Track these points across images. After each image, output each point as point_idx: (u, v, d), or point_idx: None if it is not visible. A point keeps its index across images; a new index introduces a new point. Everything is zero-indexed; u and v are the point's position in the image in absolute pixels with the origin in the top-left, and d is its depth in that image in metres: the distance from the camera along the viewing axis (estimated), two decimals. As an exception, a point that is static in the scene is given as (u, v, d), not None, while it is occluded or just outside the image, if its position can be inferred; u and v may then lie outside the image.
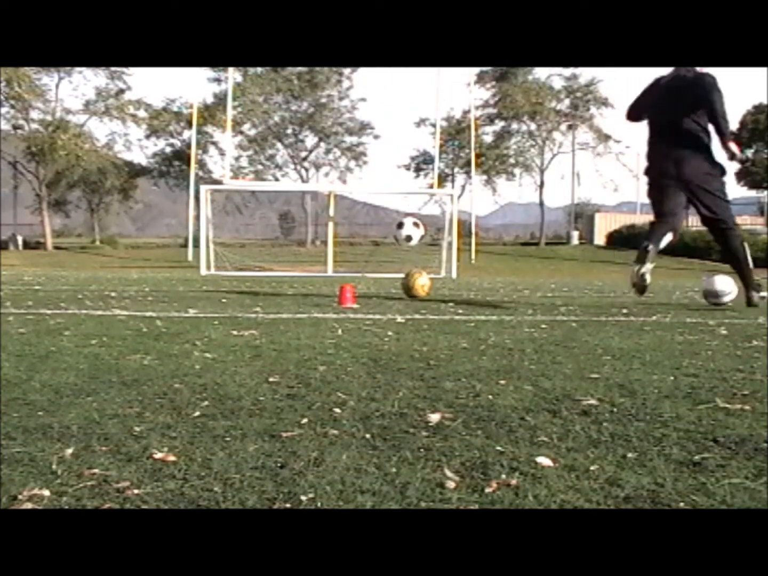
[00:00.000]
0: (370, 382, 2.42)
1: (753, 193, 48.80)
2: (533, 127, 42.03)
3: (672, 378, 2.56)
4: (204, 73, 38.66)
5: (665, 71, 6.38)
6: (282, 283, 12.12)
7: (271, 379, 2.45)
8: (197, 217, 22.45)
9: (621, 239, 37.09)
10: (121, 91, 40.19)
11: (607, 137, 41.47)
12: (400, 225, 12.86)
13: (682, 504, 1.27)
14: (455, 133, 40.94)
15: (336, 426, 1.80)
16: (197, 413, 1.92)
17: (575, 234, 40.57)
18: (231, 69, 25.33)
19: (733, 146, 5.96)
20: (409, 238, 10.25)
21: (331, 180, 41.84)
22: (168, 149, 42.04)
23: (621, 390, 2.32)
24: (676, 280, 17.42)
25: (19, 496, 1.26)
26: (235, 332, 3.88)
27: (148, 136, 41.58)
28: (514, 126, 42.43)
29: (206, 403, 2.06)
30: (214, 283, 11.65)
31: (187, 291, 8.80)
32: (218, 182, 29.62)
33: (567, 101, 41.98)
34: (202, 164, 40.09)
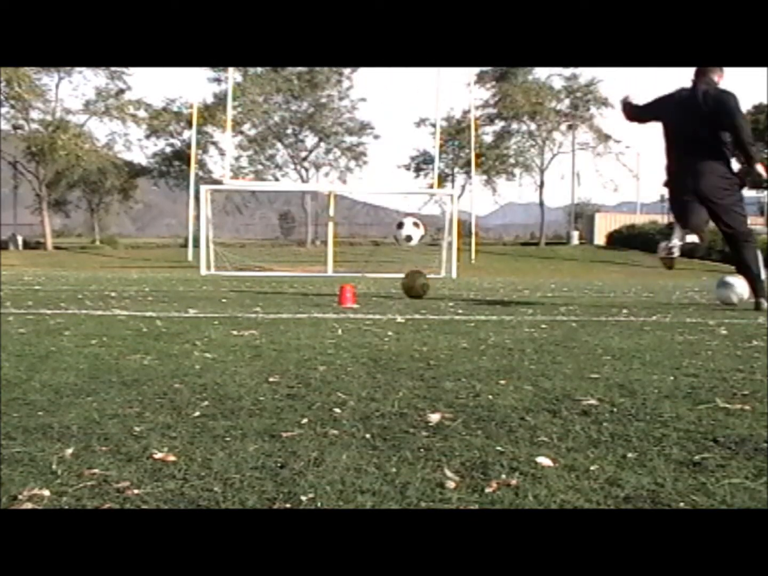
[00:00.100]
0: (370, 382, 2.42)
1: (753, 193, 48.70)
2: (533, 127, 42.03)
3: (672, 378, 2.56)
4: (204, 73, 38.70)
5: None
6: (282, 283, 12.12)
7: (271, 379, 2.45)
8: (197, 217, 22.46)
9: (621, 239, 37.12)
10: (121, 91, 40.20)
11: (607, 137, 41.47)
12: (400, 225, 12.86)
13: (682, 504, 1.27)
14: (455, 133, 40.93)
15: (336, 426, 1.80)
16: (197, 413, 1.92)
17: (575, 234, 40.58)
18: (231, 69, 25.35)
19: (761, 168, 6.02)
20: (409, 238, 10.27)
21: (331, 180, 41.86)
22: (168, 149, 42.05)
23: (621, 390, 2.32)
24: (676, 280, 17.42)
25: (19, 496, 1.26)
26: (235, 332, 3.88)
27: (148, 136, 41.60)
28: (514, 126, 42.43)
29: (206, 403, 2.06)
30: (214, 283, 11.65)
31: (187, 291, 8.80)
32: (218, 182, 29.62)
33: (567, 101, 41.97)
34: (202, 164, 40.09)
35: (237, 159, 40.56)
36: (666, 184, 6.45)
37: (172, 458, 1.50)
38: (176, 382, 2.37)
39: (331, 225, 21.87)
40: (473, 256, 28.19)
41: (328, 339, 3.64)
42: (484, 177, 41.89)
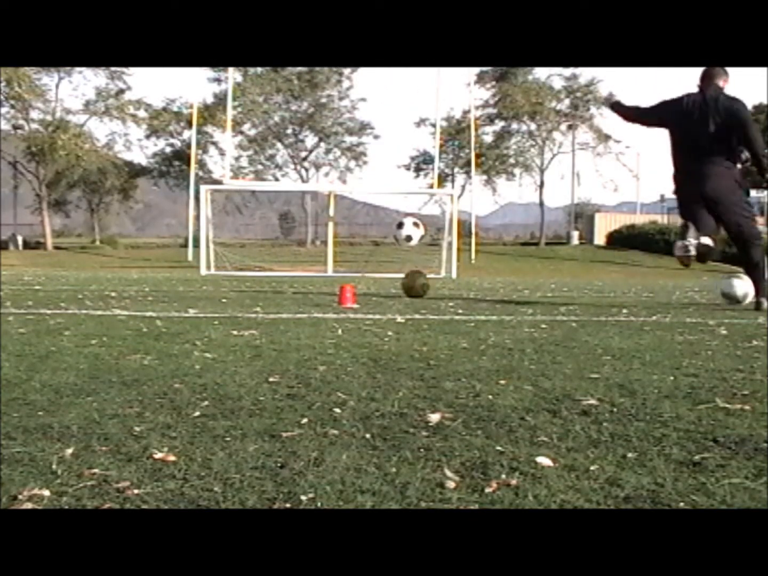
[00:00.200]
0: (370, 382, 2.42)
1: (753, 193, 48.78)
2: (533, 127, 42.02)
3: (672, 378, 2.56)
4: (204, 73, 38.68)
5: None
6: (282, 283, 12.12)
7: (271, 379, 2.45)
8: (197, 217, 22.46)
9: (621, 239, 37.10)
10: (121, 91, 40.19)
11: (607, 137, 41.44)
12: (400, 225, 12.86)
13: (682, 504, 1.27)
14: (455, 133, 40.91)
15: (336, 426, 1.80)
16: (197, 413, 1.92)
17: (575, 234, 40.57)
18: (231, 69, 25.34)
19: None
20: (409, 238, 10.28)
21: (331, 180, 41.83)
22: (168, 149, 42.04)
23: (621, 390, 2.32)
24: (676, 280, 17.42)
25: (19, 496, 1.26)
26: (235, 332, 3.88)
27: (148, 136, 41.59)
28: (514, 126, 42.42)
29: (206, 403, 2.06)
30: (214, 283, 11.65)
31: (187, 291, 8.80)
32: (218, 182, 29.61)
33: (567, 101, 41.95)
34: (202, 164, 40.07)
35: (237, 159, 40.57)
36: (676, 192, 6.49)
37: (172, 458, 1.50)
38: (176, 382, 2.37)
39: (331, 225, 21.87)
40: (473, 256, 28.18)
41: (328, 339, 3.64)
42: (484, 177, 41.88)
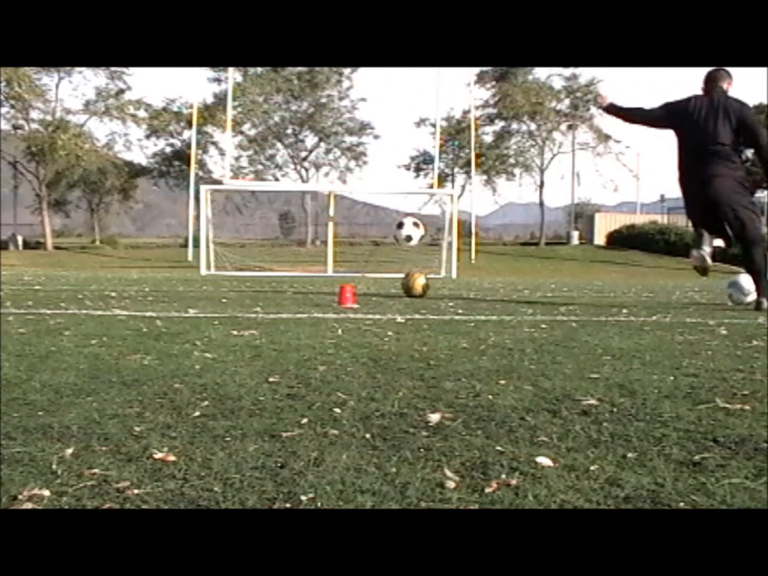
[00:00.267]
0: (370, 382, 2.42)
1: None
2: (533, 127, 42.00)
3: (672, 378, 2.56)
4: (204, 73, 38.67)
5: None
6: (282, 283, 12.12)
7: (271, 379, 2.45)
8: (197, 217, 22.45)
9: (621, 239, 37.10)
10: (121, 91, 40.18)
11: (607, 137, 41.42)
12: (400, 225, 12.86)
13: (682, 504, 1.27)
14: (455, 133, 40.90)
15: (336, 426, 1.80)
16: (197, 413, 1.92)
17: (575, 234, 40.56)
18: (231, 69, 25.34)
19: None
20: (409, 238, 10.27)
21: (331, 180, 41.81)
22: (168, 149, 42.03)
23: (621, 390, 2.32)
24: (676, 280, 17.41)
25: (19, 496, 1.26)
26: (235, 332, 3.88)
27: (148, 136, 41.58)
28: (514, 126, 42.41)
29: (206, 403, 2.06)
30: (214, 283, 11.65)
31: (187, 291, 8.80)
32: (218, 182, 29.60)
33: (567, 101, 41.95)
34: (202, 164, 40.06)
35: (237, 159, 40.55)
36: (683, 196, 6.52)
37: (172, 458, 1.50)
38: (176, 382, 2.37)
39: (331, 225, 21.87)
40: (473, 256, 28.18)
41: (328, 339, 3.64)
42: (484, 177, 41.86)
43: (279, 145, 42.88)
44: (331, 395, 2.19)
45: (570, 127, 41.85)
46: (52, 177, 40.33)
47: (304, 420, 1.86)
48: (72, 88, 54.72)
